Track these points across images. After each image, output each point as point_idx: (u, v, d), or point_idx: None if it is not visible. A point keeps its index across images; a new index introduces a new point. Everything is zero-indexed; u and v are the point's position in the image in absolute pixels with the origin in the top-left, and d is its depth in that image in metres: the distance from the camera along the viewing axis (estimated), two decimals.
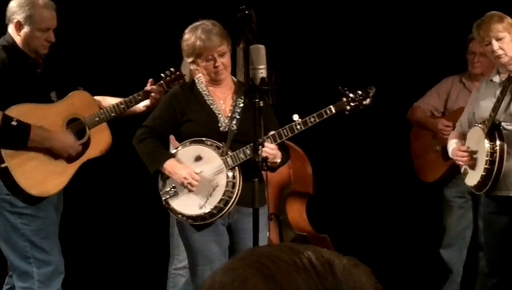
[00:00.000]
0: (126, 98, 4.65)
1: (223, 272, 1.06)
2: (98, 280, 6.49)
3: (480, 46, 5.07)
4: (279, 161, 4.37)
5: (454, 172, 5.69)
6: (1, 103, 4.23)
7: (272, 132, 4.34)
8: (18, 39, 4.41)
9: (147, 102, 4.71)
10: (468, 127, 5.00)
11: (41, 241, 4.39)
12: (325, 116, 4.39)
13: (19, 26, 4.39)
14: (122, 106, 4.62)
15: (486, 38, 4.77)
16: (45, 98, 4.45)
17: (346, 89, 4.46)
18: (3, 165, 4.27)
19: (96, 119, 4.53)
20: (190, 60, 4.44)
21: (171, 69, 4.81)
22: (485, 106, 4.86)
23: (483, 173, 4.77)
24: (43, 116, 4.38)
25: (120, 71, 6.31)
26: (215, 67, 4.39)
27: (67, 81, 4.63)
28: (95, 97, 4.69)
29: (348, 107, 4.45)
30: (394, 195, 6.92)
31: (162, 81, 4.74)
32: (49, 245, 4.42)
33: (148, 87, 4.71)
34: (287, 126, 4.37)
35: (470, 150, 4.89)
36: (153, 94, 4.69)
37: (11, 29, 4.44)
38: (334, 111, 4.41)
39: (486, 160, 4.75)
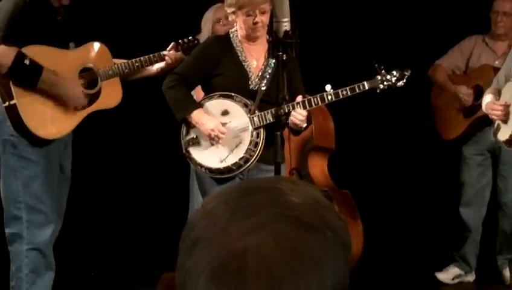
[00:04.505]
0: (141, 57, 4.60)
1: (257, 233, 0.95)
2: (117, 228, 6.57)
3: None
4: (304, 125, 4.39)
5: (474, 130, 5.69)
6: (18, 41, 4.17)
7: (299, 98, 4.33)
8: None
9: (161, 64, 4.66)
10: (505, 82, 4.98)
11: (36, 188, 4.33)
12: (357, 91, 4.37)
13: None
14: (137, 64, 4.57)
15: None
16: (63, 46, 4.39)
17: (382, 67, 4.44)
18: (12, 102, 4.23)
19: (110, 72, 4.49)
20: (231, 10, 4.40)
21: (190, 37, 4.77)
22: None
23: None
24: (58, 61, 4.33)
25: (140, 32, 6.34)
26: (254, 23, 4.35)
27: (86, 33, 4.60)
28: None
29: (381, 86, 4.44)
30: (414, 152, 6.94)
31: (178, 47, 4.72)
32: (44, 193, 4.35)
33: (166, 50, 4.68)
34: (318, 95, 4.35)
35: (506, 104, 4.86)
36: (168, 58, 4.65)
37: None
38: (367, 87, 4.40)
39: None
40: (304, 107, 4.33)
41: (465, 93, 5.68)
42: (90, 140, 4.53)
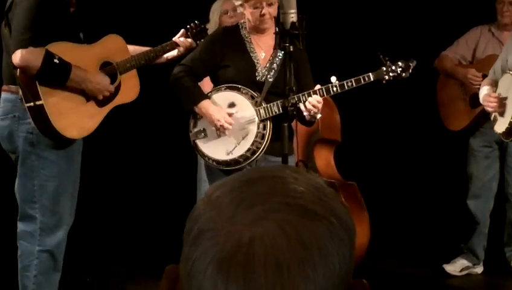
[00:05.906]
0: (156, 47, 4.61)
1: (257, 224, 0.94)
2: (122, 221, 6.57)
3: None
4: (319, 116, 4.39)
5: (481, 121, 5.66)
6: (41, 39, 4.10)
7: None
8: None
9: (173, 53, 4.67)
10: (502, 74, 4.98)
11: (53, 189, 4.23)
12: (363, 82, 4.37)
13: None
14: (152, 54, 4.56)
15: None
16: (76, 38, 4.34)
17: (387, 58, 4.44)
18: (38, 103, 4.11)
19: (128, 65, 4.45)
20: (238, 3, 4.45)
21: (196, 22, 4.78)
22: None
23: None
24: (79, 57, 4.26)
25: (149, 21, 6.34)
26: (262, 15, 4.38)
27: (96, 24, 4.57)
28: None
29: (387, 77, 4.44)
30: (421, 144, 6.93)
31: (188, 33, 4.73)
32: (61, 195, 4.26)
33: (177, 37, 4.68)
34: (323, 87, 4.36)
35: (500, 96, 4.87)
36: (180, 47, 4.66)
37: None
38: (372, 79, 4.40)
39: None
40: None
41: (474, 74, 5.64)
42: (94, 134, 4.49)
